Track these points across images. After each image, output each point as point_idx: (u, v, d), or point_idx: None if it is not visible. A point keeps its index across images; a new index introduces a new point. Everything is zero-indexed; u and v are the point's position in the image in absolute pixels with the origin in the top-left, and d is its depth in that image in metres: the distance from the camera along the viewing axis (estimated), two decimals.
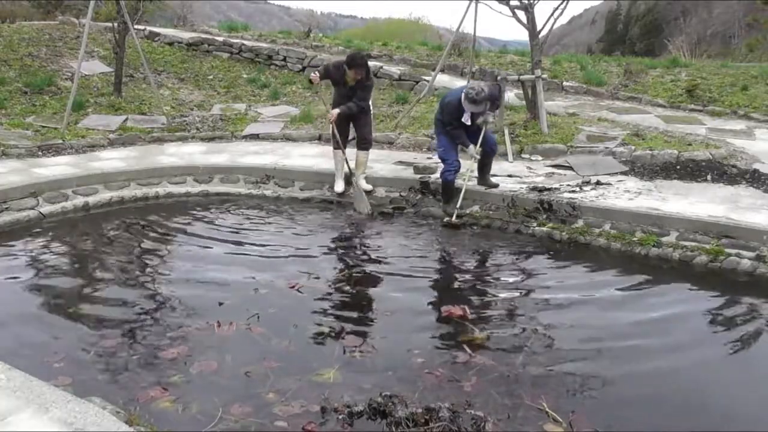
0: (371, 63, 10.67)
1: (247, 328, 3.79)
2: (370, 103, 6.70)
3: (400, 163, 7.34)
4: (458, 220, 5.88)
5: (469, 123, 5.93)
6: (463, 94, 5.80)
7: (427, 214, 6.24)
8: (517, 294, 4.53)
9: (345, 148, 6.61)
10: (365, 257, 5.27)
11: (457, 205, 5.94)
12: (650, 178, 6.66)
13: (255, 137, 8.72)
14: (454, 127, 5.98)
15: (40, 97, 9.46)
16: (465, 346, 3.65)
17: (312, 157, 7.64)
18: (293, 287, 4.44)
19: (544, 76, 9.32)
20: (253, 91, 11.22)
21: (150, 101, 9.85)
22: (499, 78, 8.03)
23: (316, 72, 6.37)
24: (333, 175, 6.74)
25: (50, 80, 9.99)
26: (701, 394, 3.29)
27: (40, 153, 7.31)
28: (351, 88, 6.36)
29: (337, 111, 6.28)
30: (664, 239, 5.23)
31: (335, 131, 6.43)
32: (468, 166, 6.14)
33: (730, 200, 5.85)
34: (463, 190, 6.00)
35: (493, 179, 6.34)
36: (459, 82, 10.99)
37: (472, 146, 5.96)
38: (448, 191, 6.14)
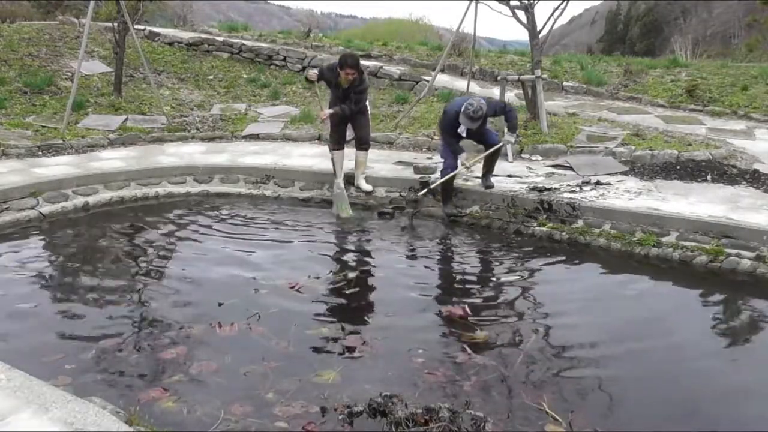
0: (371, 63, 10.64)
1: (247, 329, 3.79)
2: (368, 103, 6.69)
3: (400, 163, 7.34)
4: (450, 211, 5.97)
5: (464, 135, 6.00)
6: (462, 108, 5.81)
7: (427, 214, 6.24)
8: (517, 294, 4.53)
9: (343, 148, 6.64)
10: (365, 257, 5.27)
11: (453, 204, 5.97)
12: (650, 178, 6.65)
13: (255, 137, 8.72)
14: (450, 135, 6.05)
15: (40, 97, 9.45)
16: (465, 346, 3.65)
17: (312, 157, 7.65)
18: (293, 287, 4.44)
19: (544, 76, 9.32)
20: (253, 91, 11.22)
21: (150, 101, 9.85)
22: (499, 78, 8.03)
23: (315, 70, 6.39)
24: (332, 175, 6.73)
25: (50, 80, 9.99)
26: (701, 394, 3.29)
27: (40, 153, 7.32)
28: (345, 91, 6.30)
29: (329, 111, 6.29)
30: (664, 239, 5.23)
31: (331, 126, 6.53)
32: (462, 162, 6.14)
33: (730, 200, 5.85)
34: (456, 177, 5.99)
35: (492, 179, 6.34)
36: (459, 82, 10.99)
37: (463, 154, 6.04)
38: (445, 189, 6.14)
